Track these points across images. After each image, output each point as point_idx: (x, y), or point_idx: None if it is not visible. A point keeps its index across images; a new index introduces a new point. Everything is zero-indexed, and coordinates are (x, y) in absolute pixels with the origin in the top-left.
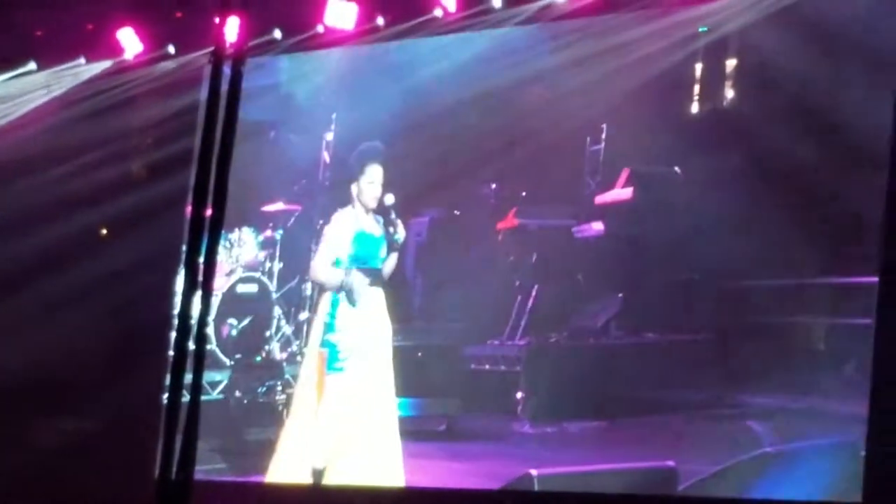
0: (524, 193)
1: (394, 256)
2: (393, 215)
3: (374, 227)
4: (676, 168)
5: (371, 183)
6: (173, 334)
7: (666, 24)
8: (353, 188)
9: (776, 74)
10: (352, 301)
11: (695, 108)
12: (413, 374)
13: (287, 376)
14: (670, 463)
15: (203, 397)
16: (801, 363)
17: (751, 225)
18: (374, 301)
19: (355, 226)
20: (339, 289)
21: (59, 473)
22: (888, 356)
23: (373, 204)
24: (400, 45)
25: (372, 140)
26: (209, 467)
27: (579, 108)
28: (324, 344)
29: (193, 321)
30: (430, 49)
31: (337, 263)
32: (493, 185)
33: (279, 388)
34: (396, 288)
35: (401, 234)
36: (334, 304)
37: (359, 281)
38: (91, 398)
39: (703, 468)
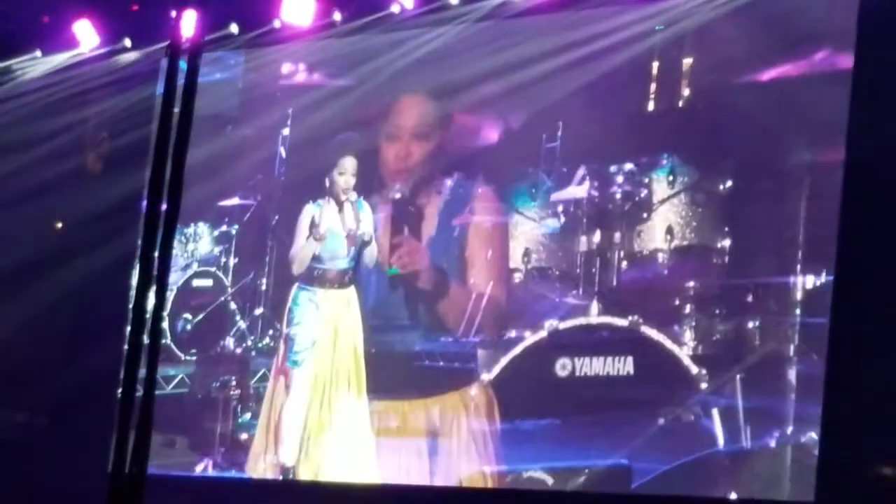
0: (480, 189)
1: (367, 252)
2: (359, 209)
3: (340, 222)
4: (632, 165)
5: (342, 174)
6: (128, 328)
7: (622, 21)
8: (326, 180)
9: (732, 72)
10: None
11: (651, 105)
12: (366, 370)
13: (242, 371)
14: (624, 461)
15: (157, 392)
16: (755, 362)
17: (705, 223)
18: (337, 298)
19: (322, 220)
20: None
21: (10, 467)
22: (842, 356)
23: (342, 196)
24: (355, 40)
25: (335, 133)
26: (162, 462)
27: (535, 104)
28: (287, 338)
29: (148, 315)
30: (386, 44)
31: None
32: (449, 182)
33: (233, 383)
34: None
35: (366, 228)
36: (295, 298)
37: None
38: (44, 392)
39: (657, 466)
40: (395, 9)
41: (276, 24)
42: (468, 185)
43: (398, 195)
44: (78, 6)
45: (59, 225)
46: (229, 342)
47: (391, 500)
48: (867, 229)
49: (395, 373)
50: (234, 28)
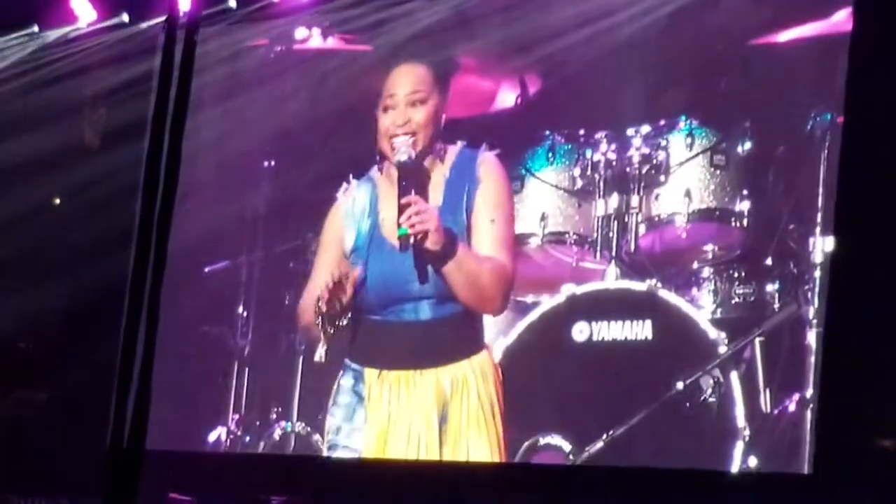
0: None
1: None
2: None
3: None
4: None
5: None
6: (126, 303)
7: None
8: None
9: (749, 34)
10: None
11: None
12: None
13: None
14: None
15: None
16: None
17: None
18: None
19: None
20: None
21: (8, 443)
22: (839, 323)
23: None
24: (357, 12)
25: (335, 105)
26: (161, 436)
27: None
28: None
29: (147, 290)
30: (389, 16)
31: None
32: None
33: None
34: None
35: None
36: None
37: None
38: (44, 368)
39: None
40: None
41: None
42: (474, 150)
43: (403, 157)
44: None
45: (57, 201)
46: (232, 317)
47: (404, 474)
48: (866, 192)
49: (401, 341)
50: (232, 2)
